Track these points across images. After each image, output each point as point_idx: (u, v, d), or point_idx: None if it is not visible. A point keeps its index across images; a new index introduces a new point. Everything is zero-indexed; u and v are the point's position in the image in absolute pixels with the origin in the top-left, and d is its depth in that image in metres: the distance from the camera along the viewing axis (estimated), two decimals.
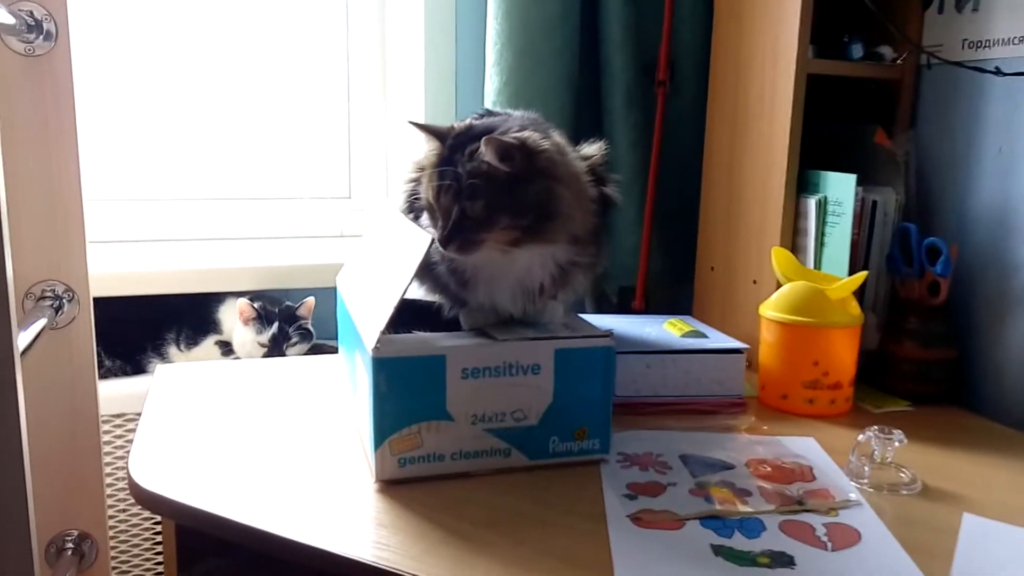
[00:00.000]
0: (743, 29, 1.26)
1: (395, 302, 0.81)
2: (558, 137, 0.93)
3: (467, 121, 0.93)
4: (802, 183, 1.20)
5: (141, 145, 1.51)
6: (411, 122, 0.91)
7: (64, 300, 1.05)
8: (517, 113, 1.01)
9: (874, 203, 1.17)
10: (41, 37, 0.99)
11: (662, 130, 1.39)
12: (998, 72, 1.08)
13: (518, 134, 0.84)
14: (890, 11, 1.20)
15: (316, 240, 1.60)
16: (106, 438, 1.25)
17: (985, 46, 1.12)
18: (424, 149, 0.92)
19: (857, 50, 1.19)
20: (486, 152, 0.83)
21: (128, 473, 0.85)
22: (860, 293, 1.13)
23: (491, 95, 1.33)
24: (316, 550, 0.71)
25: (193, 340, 1.36)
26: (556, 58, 1.33)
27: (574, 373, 0.87)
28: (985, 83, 1.12)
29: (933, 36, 1.20)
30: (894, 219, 1.18)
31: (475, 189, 0.83)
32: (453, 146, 0.87)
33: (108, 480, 1.26)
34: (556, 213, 0.86)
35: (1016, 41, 1.07)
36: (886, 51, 1.21)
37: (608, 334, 0.88)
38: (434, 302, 1.00)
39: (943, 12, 1.18)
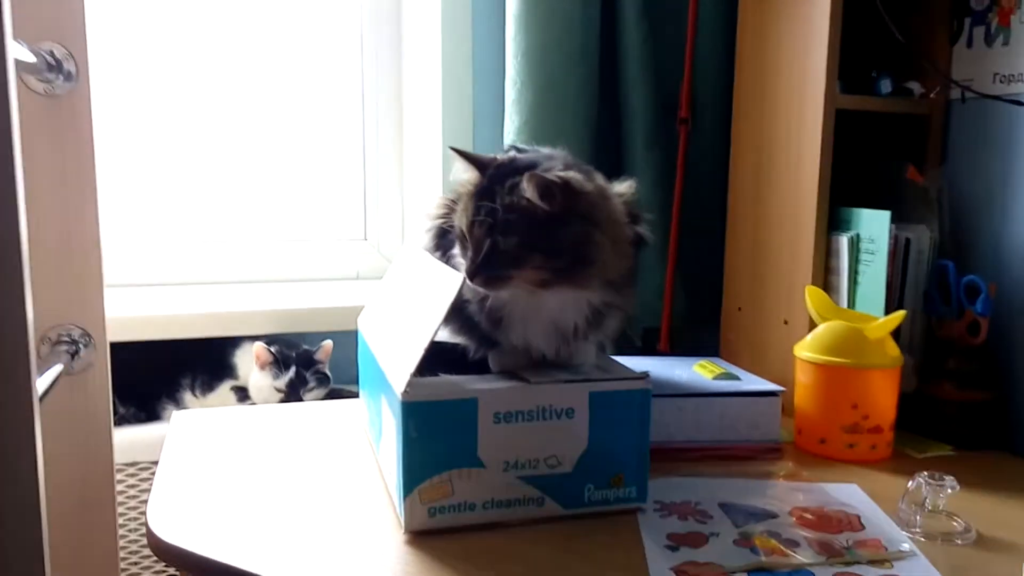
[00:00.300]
0: (767, 66, 1.25)
1: (426, 343, 0.78)
2: (600, 179, 0.90)
3: (510, 154, 0.91)
4: (833, 221, 1.17)
5: (154, 187, 1.50)
6: (452, 148, 0.89)
7: (81, 345, 1.03)
8: (545, 150, 0.99)
9: (907, 240, 1.14)
10: (61, 77, 0.98)
11: (684, 168, 1.37)
12: None
13: (562, 173, 0.82)
14: (918, 45, 1.19)
15: (332, 282, 1.58)
16: (119, 487, 1.22)
17: (1017, 80, 1.10)
18: (461, 177, 0.90)
19: (886, 85, 1.18)
20: (527, 188, 0.80)
21: (146, 524, 0.82)
22: (896, 334, 1.09)
23: (510, 134, 1.32)
24: None
25: (209, 386, 1.33)
26: (576, 97, 1.32)
27: (610, 417, 0.84)
28: (1018, 117, 1.10)
29: (962, 70, 1.18)
30: (928, 257, 1.15)
31: (510, 224, 0.81)
32: (493, 177, 0.85)
33: (121, 532, 1.23)
34: (591, 259, 0.84)
35: None
36: (915, 86, 1.20)
37: (644, 376, 0.85)
38: (458, 344, 0.97)
39: (972, 46, 1.16)
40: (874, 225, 1.13)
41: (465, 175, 0.89)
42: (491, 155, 0.91)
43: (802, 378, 1.07)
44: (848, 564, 0.75)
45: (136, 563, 1.25)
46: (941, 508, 0.84)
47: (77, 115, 0.99)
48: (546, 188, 0.80)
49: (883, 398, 1.03)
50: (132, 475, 1.24)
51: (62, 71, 0.98)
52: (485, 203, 0.83)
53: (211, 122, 1.51)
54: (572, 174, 0.83)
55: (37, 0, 0.95)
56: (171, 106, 1.48)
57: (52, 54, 0.97)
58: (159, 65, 1.47)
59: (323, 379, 1.33)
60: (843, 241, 1.15)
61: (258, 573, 0.72)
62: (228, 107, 1.52)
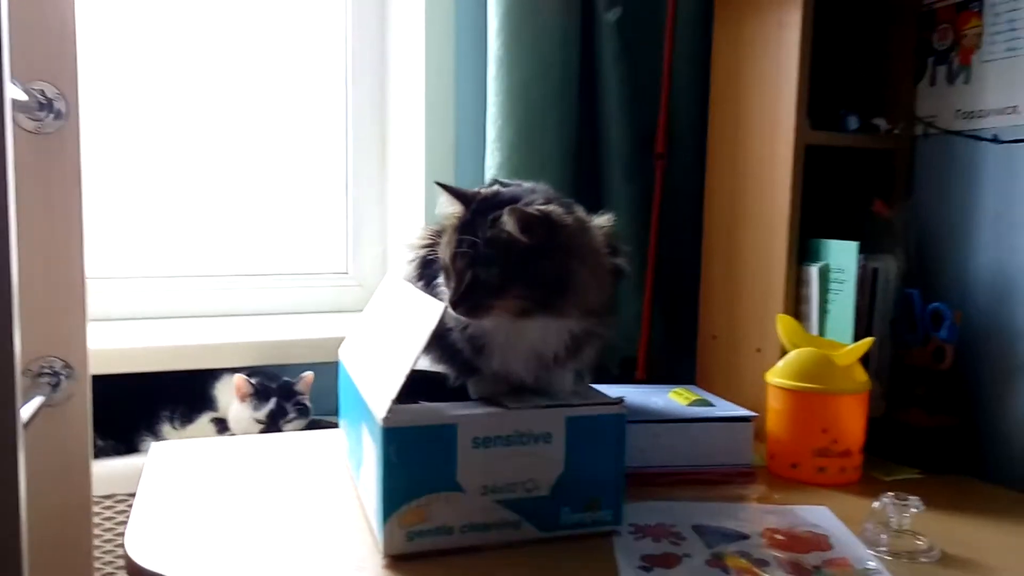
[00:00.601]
0: (740, 103, 1.29)
1: (406, 370, 0.80)
2: (580, 212, 0.93)
3: (494, 188, 0.94)
4: (803, 252, 1.21)
5: (134, 222, 1.51)
6: (438, 183, 0.92)
7: (62, 376, 1.04)
8: (528, 185, 1.02)
9: (875, 270, 1.17)
10: (52, 116, 1.01)
11: (661, 201, 1.40)
12: (996, 140, 1.11)
13: (542, 207, 0.85)
14: (883, 84, 1.24)
15: (313, 316, 1.59)
16: (96, 519, 1.22)
17: (978, 116, 1.14)
18: (446, 211, 0.92)
19: (853, 122, 1.22)
20: (508, 221, 0.83)
21: (125, 552, 0.83)
22: (865, 360, 1.12)
23: (492, 169, 1.35)
24: None
25: (188, 418, 1.34)
26: (555, 133, 1.35)
27: (586, 442, 0.86)
28: (979, 151, 1.14)
29: (927, 107, 1.23)
30: (895, 286, 1.19)
31: (491, 257, 0.84)
32: (477, 210, 0.88)
33: (97, 564, 1.22)
34: (568, 289, 0.86)
35: (1008, 111, 1.10)
36: (881, 122, 1.24)
37: (619, 401, 0.87)
38: (438, 372, 0.99)
39: (935, 84, 1.21)
40: (843, 256, 1.16)
41: (450, 208, 0.92)
42: (475, 189, 0.94)
43: (774, 404, 1.10)
44: None
45: None
46: (906, 527, 0.87)
47: (66, 153, 1.02)
48: (526, 222, 0.83)
49: (852, 422, 1.06)
50: (109, 507, 1.24)
51: (52, 110, 1.00)
52: (467, 236, 0.86)
53: (195, 156, 1.53)
54: (552, 208, 0.85)
55: (30, 41, 0.98)
56: (155, 141, 1.51)
57: (43, 93, 1.00)
58: (143, 100, 1.49)
59: (303, 410, 1.34)
60: (813, 271, 1.19)
61: None
62: (213, 141, 1.54)
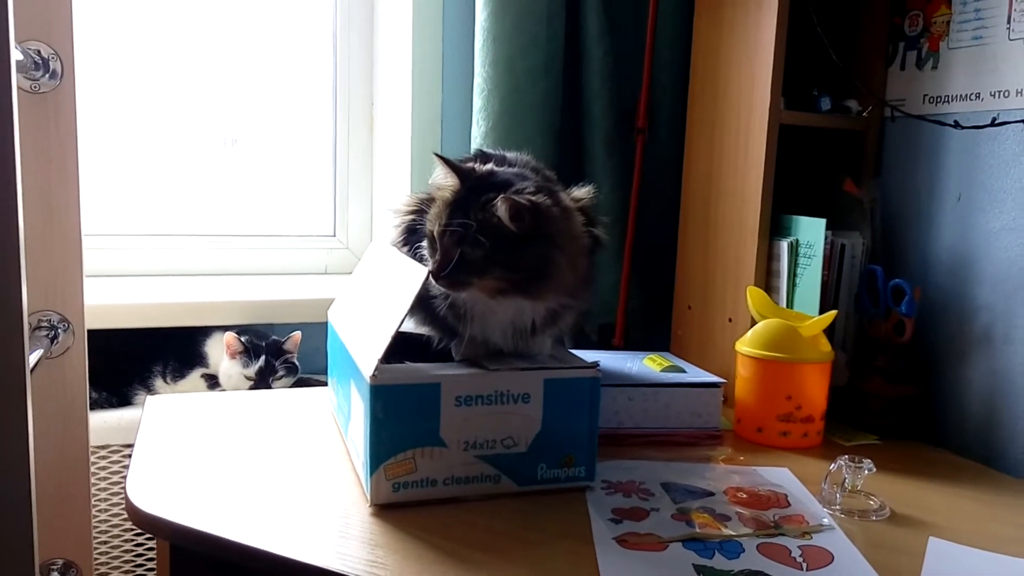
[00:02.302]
0: (719, 82, 1.33)
1: (392, 332, 0.85)
2: (565, 198, 0.97)
3: (489, 166, 0.97)
4: (775, 227, 1.26)
5: (131, 180, 1.54)
6: (436, 154, 0.95)
7: (60, 330, 1.07)
8: (511, 155, 1.06)
9: (843, 246, 1.23)
10: (47, 75, 1.03)
11: (641, 174, 1.45)
12: (956, 125, 1.16)
13: (532, 197, 0.88)
14: (855, 67, 1.28)
15: (301, 277, 1.63)
16: (92, 469, 1.26)
17: (944, 101, 1.19)
18: (439, 182, 0.95)
19: (825, 103, 1.27)
20: (500, 208, 0.87)
21: (126, 497, 0.87)
22: (830, 332, 1.18)
23: (477, 138, 1.38)
24: (314, 568, 0.74)
25: (180, 373, 1.38)
26: (540, 105, 1.39)
27: (562, 402, 0.91)
28: (944, 135, 1.19)
29: (896, 91, 1.27)
30: (861, 262, 1.24)
31: (478, 239, 0.88)
32: (471, 189, 0.91)
33: (93, 512, 1.27)
34: (547, 276, 0.91)
35: (973, 97, 1.15)
36: (852, 104, 1.29)
37: (594, 365, 0.93)
38: (423, 335, 1.04)
39: (905, 69, 1.26)
40: (812, 232, 1.21)
41: (443, 180, 0.95)
42: (470, 165, 0.97)
43: (742, 371, 1.15)
44: (772, 536, 0.84)
45: (105, 542, 1.30)
46: (859, 488, 0.93)
47: (61, 112, 1.04)
48: (517, 211, 0.87)
49: (815, 390, 1.12)
50: (104, 457, 1.29)
51: (48, 70, 1.02)
52: (459, 215, 0.90)
53: (188, 119, 1.56)
54: (542, 198, 0.90)
55: (26, 1, 1.00)
56: (148, 103, 1.53)
57: (39, 53, 1.02)
58: (137, 61, 1.51)
59: (291, 368, 1.39)
60: (784, 246, 1.24)
61: (233, 539, 0.78)
62: (205, 105, 1.57)
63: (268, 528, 0.80)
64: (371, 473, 0.86)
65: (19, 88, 1.03)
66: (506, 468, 0.90)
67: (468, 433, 0.88)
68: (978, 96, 1.14)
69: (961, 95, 1.17)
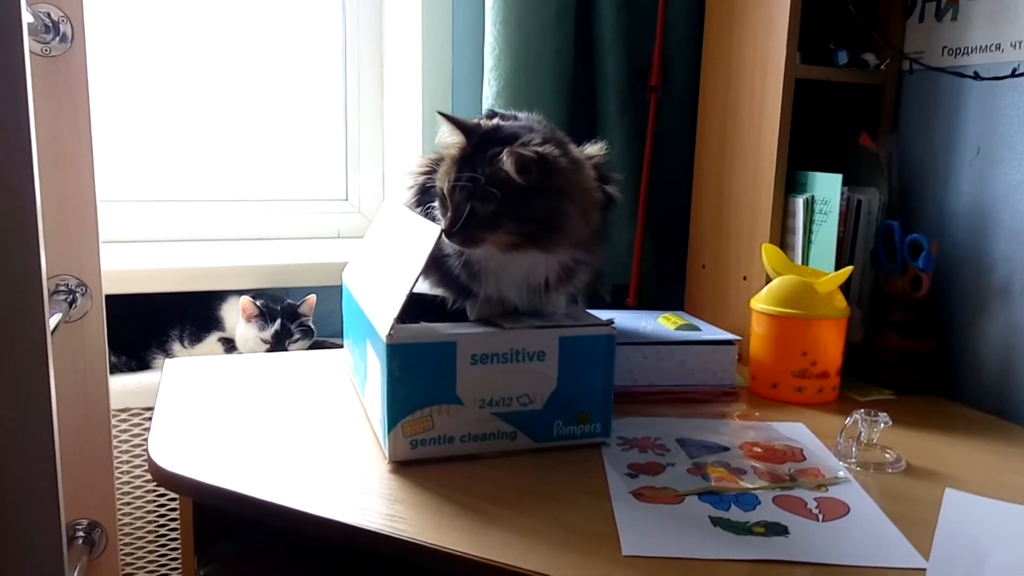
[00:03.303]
0: (733, 37, 1.32)
1: (407, 290, 0.85)
2: (574, 149, 0.96)
3: (494, 122, 0.97)
4: (790, 183, 1.25)
5: (145, 147, 1.54)
6: (440, 113, 0.95)
7: (77, 294, 1.08)
8: (523, 115, 1.05)
9: (859, 202, 1.22)
10: (57, 39, 1.02)
11: (654, 133, 1.44)
12: (976, 77, 1.14)
13: (539, 148, 0.88)
14: (873, 19, 1.26)
15: (314, 241, 1.63)
16: (114, 432, 1.28)
17: (964, 53, 1.17)
18: (446, 140, 0.95)
19: (842, 57, 1.25)
20: (507, 162, 0.87)
21: (148, 456, 0.89)
22: (846, 288, 1.18)
23: (488, 99, 1.38)
24: (335, 523, 0.75)
25: (197, 337, 1.39)
26: (552, 63, 1.38)
27: (577, 360, 0.91)
28: (963, 88, 1.18)
29: (914, 43, 1.25)
30: (878, 217, 1.23)
31: (488, 193, 0.88)
32: (477, 145, 0.91)
33: (116, 474, 1.29)
34: (559, 227, 0.91)
35: (993, 48, 1.13)
36: (870, 58, 1.27)
37: (609, 323, 0.93)
38: (438, 296, 1.04)
39: (924, 20, 1.24)
40: (827, 187, 1.20)
41: (450, 138, 0.95)
42: (476, 121, 0.97)
43: (757, 328, 1.15)
44: (788, 489, 0.84)
45: (128, 503, 1.32)
46: (875, 441, 0.93)
47: (73, 76, 1.04)
48: (524, 164, 0.87)
49: (830, 346, 1.12)
50: (124, 420, 1.30)
51: (58, 33, 1.02)
52: (467, 169, 0.89)
53: (199, 84, 1.55)
54: (548, 149, 0.89)
55: None
56: (160, 68, 1.52)
57: (49, 16, 1.02)
58: (147, 25, 1.50)
59: (307, 331, 1.40)
60: (799, 202, 1.23)
61: (255, 495, 0.79)
62: (217, 71, 1.56)
63: (288, 485, 0.81)
64: (389, 430, 0.86)
65: (30, 52, 1.03)
66: (522, 425, 0.91)
67: (484, 391, 0.89)
68: (998, 47, 1.12)
69: (981, 46, 1.15)
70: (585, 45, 1.43)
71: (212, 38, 1.55)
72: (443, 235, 0.89)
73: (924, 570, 0.69)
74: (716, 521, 0.76)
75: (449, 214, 0.91)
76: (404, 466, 0.87)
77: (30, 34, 1.00)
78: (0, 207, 0.74)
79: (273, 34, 1.59)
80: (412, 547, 0.72)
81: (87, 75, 1.04)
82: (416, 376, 0.86)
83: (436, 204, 0.96)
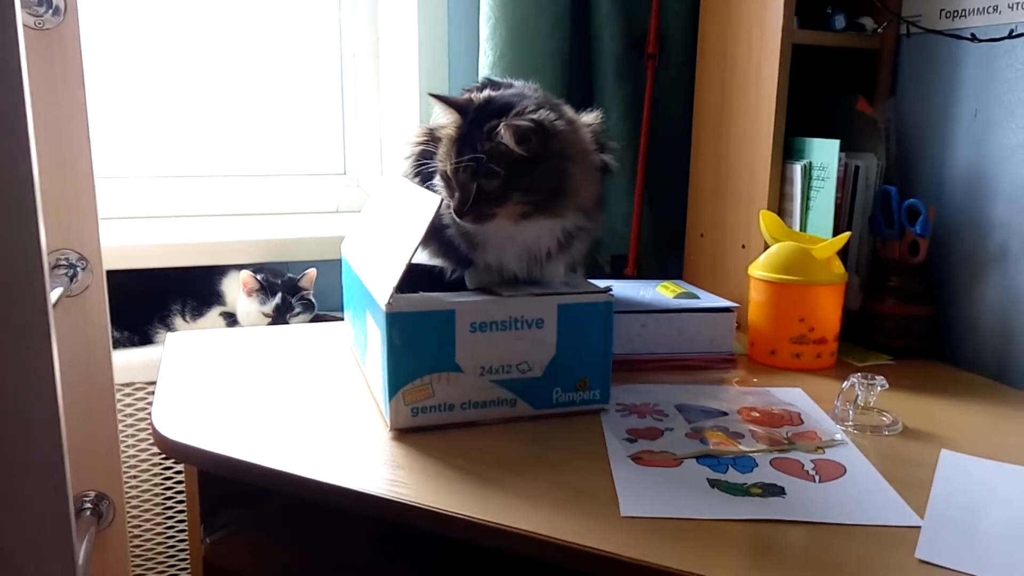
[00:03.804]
0: (730, 3, 1.31)
1: (406, 260, 0.86)
2: (569, 112, 0.97)
3: (486, 93, 0.96)
4: (788, 150, 1.25)
5: (144, 123, 1.54)
6: (431, 94, 0.95)
7: (78, 269, 1.09)
8: (519, 83, 1.05)
9: (856, 168, 1.22)
10: (50, 11, 1.02)
11: (652, 101, 1.43)
12: (974, 39, 1.13)
13: (534, 116, 0.88)
14: None
15: (313, 216, 1.64)
16: (117, 406, 1.29)
17: (961, 15, 1.17)
18: (441, 120, 0.95)
19: (840, 21, 1.24)
20: (505, 135, 0.87)
21: (152, 426, 0.89)
22: (844, 255, 1.18)
23: (485, 69, 1.37)
24: (339, 488, 0.76)
25: (198, 311, 1.40)
26: (548, 33, 1.37)
27: (576, 327, 0.92)
28: (961, 50, 1.17)
29: (912, 7, 1.25)
30: (875, 183, 1.23)
31: (492, 169, 0.88)
32: (473, 122, 0.91)
33: (121, 447, 1.30)
34: (566, 190, 0.92)
35: (990, 10, 1.12)
36: (867, 21, 1.26)
37: (607, 290, 0.93)
38: (436, 267, 1.04)
39: None
40: (825, 154, 1.20)
41: (444, 118, 0.95)
42: (467, 96, 0.96)
43: (755, 295, 1.16)
44: (785, 451, 0.85)
45: (135, 476, 1.33)
46: (872, 405, 0.94)
47: (66, 49, 1.03)
48: (522, 134, 0.87)
49: (828, 312, 1.12)
50: (128, 395, 1.31)
51: (51, 6, 1.01)
52: (467, 150, 0.90)
53: (196, 59, 1.55)
54: (544, 114, 0.89)
55: None
56: (157, 44, 1.52)
57: None
58: (145, 2, 1.49)
59: (308, 305, 1.40)
60: (797, 169, 1.23)
61: (259, 463, 0.80)
62: (214, 45, 1.55)
63: (292, 452, 0.82)
64: (390, 398, 0.87)
65: (23, 25, 1.02)
66: (522, 392, 0.91)
67: (483, 359, 0.89)
68: (995, 8, 1.11)
69: (978, 8, 1.14)
70: (581, 14, 1.42)
71: (210, 13, 1.54)
72: (454, 215, 0.90)
73: (919, 528, 0.70)
74: (714, 483, 0.77)
75: (457, 195, 0.91)
76: (405, 433, 0.88)
77: (23, 7, 1.00)
78: None
79: (270, 8, 1.58)
80: (414, 511, 0.73)
81: (81, 48, 1.04)
82: (416, 344, 0.87)
83: (436, 176, 0.96)
